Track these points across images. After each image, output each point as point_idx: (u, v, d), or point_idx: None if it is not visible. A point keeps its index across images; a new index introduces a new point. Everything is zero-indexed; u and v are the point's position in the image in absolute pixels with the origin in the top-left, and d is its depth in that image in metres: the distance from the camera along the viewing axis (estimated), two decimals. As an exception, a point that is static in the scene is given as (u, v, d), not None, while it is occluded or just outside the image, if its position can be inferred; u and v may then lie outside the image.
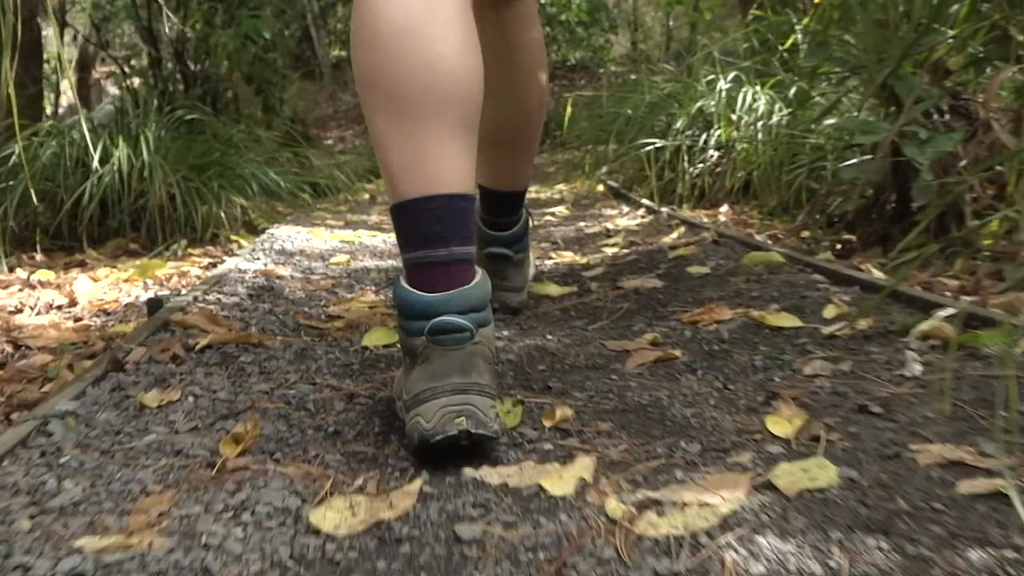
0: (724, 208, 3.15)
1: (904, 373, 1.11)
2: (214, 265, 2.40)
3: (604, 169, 4.07)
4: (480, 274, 1.00)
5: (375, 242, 2.55)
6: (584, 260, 2.19)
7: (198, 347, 1.33)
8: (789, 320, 1.39)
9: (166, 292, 2.00)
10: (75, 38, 6.95)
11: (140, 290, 2.11)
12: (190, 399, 1.13)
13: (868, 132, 1.88)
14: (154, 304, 1.62)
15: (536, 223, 3.05)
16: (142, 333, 1.43)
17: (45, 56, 7.12)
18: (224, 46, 6.03)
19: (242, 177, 3.45)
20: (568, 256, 2.26)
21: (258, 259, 2.22)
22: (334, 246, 2.45)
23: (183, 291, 1.90)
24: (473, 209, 1.01)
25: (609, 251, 2.31)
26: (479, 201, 1.55)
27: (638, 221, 2.86)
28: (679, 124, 3.41)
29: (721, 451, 0.92)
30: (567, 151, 8.10)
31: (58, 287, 2.26)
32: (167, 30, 6.54)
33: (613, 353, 1.32)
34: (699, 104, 3.45)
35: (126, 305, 1.92)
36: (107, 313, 1.87)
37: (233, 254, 2.54)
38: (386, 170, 1.02)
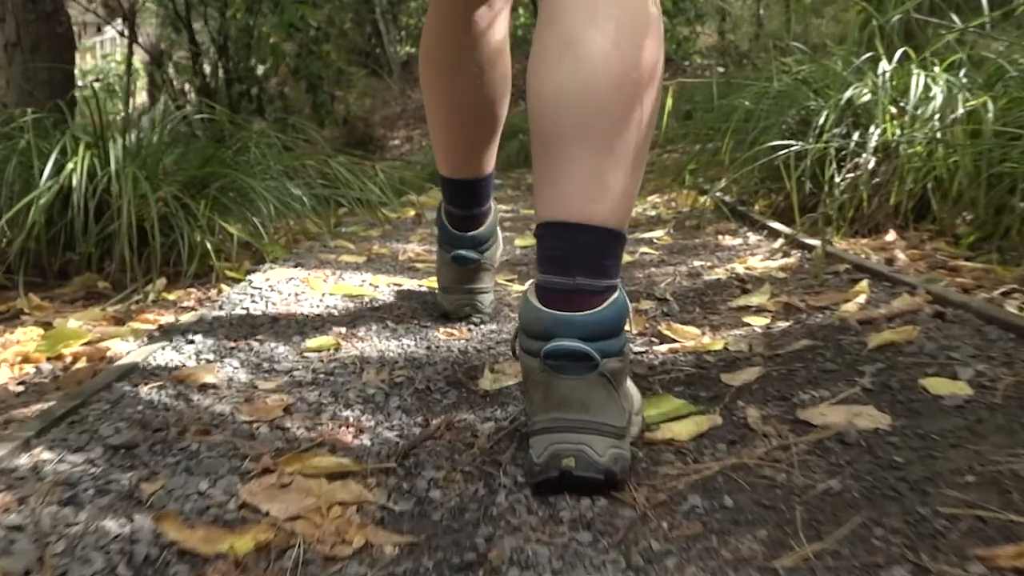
0: (891, 236, 2.24)
1: None
2: (199, 305, 1.62)
3: (720, 181, 3.18)
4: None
5: (396, 298, 1.75)
6: (719, 344, 1.33)
7: None
8: None
9: None
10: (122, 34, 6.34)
11: (33, 369, 1.34)
12: None
13: None
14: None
15: (629, 257, 2.19)
16: None
17: (117, 57, 6.58)
18: (266, 37, 5.33)
19: (254, 192, 2.68)
20: (690, 334, 1.40)
21: (196, 337, 1.42)
22: (330, 306, 1.63)
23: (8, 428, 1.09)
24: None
25: (756, 324, 1.44)
26: (536, 263, 0.98)
27: (780, 260, 1.98)
28: (823, 120, 2.51)
29: None
30: (652, 150, 7.20)
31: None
32: (206, 21, 5.88)
33: None
34: (848, 94, 2.54)
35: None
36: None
37: (209, 304, 1.76)
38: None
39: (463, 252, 1.46)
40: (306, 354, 1.33)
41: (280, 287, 1.82)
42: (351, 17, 9.81)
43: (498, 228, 1.52)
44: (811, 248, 2.04)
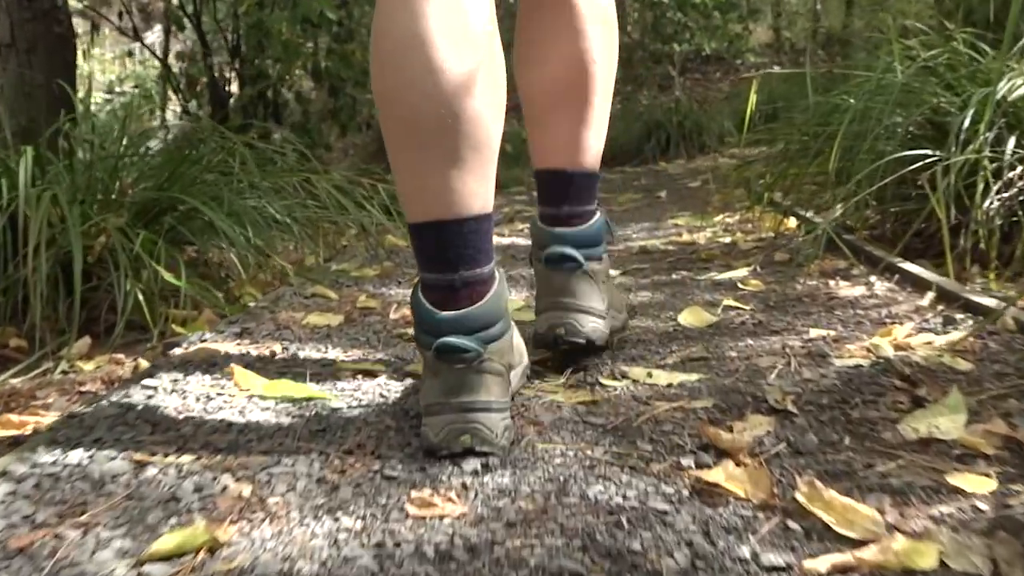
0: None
1: None
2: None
3: (796, 195, 2.52)
4: (495, 287, 1.00)
5: (357, 408, 1.12)
6: (926, 555, 0.69)
7: None
8: None
9: None
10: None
11: None
12: None
13: None
14: None
15: (710, 316, 1.55)
16: None
17: (148, 60, 6.10)
18: (279, 34, 4.78)
19: (224, 221, 2.09)
20: (860, 517, 0.76)
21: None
22: (248, 427, 0.97)
23: None
24: (489, 226, 1.00)
25: (974, 489, 0.80)
26: (537, 198, 1.29)
27: (949, 334, 1.32)
28: (966, 122, 1.84)
29: None
30: (707, 156, 6.50)
31: None
32: (215, 18, 5.33)
33: None
34: (1003, 87, 1.86)
35: None
36: None
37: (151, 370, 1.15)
38: (398, 191, 1.02)
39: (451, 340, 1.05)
40: (144, 571, 0.71)
41: (192, 382, 1.21)
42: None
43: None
44: (985, 311, 1.38)
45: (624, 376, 1.23)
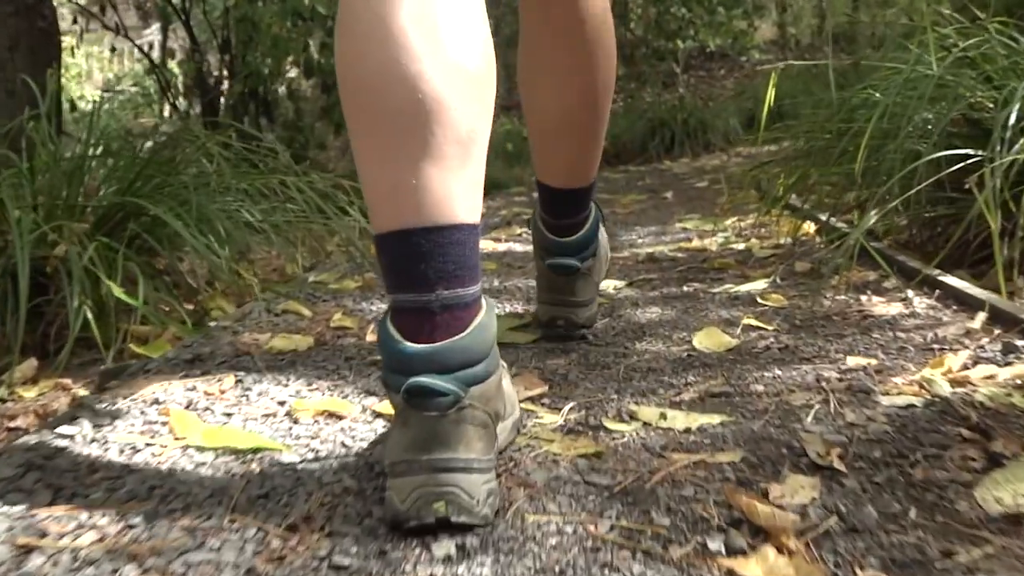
0: None
1: None
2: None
3: (813, 197, 2.32)
4: (480, 316, 0.83)
5: (313, 462, 0.94)
6: None
7: None
8: None
9: None
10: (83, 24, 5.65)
11: None
12: None
13: None
14: None
15: (730, 337, 1.36)
16: None
17: (154, 58, 5.94)
18: (267, 28, 4.58)
19: (189, 228, 1.90)
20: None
21: None
22: (170, 491, 0.82)
23: None
24: (476, 240, 0.84)
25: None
26: (538, 203, 1.36)
27: (1013, 365, 1.13)
28: (1012, 118, 1.65)
29: None
30: (712, 155, 6.29)
31: None
32: (204, 12, 5.14)
33: None
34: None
35: None
36: None
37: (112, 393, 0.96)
38: (366, 197, 0.85)
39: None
40: None
41: (119, 427, 1.02)
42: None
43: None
44: (1049, 336, 1.19)
45: (633, 417, 1.04)
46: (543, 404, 1.10)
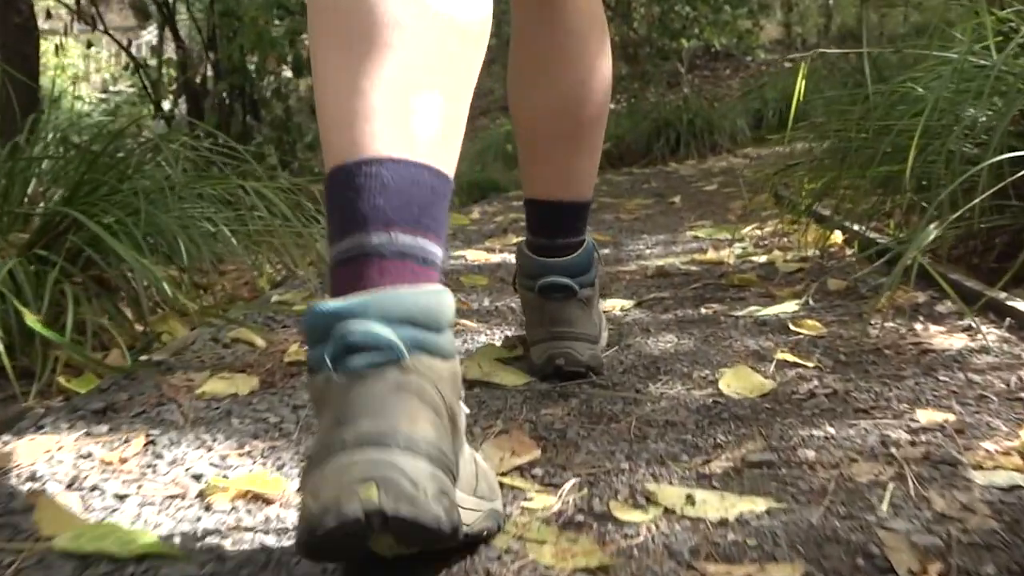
0: None
1: None
2: None
3: (845, 204, 2.07)
4: (440, 286, 0.68)
5: (247, 546, 0.70)
6: None
7: None
8: None
9: None
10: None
11: None
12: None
13: None
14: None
15: (763, 377, 1.12)
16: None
17: (148, 60, 5.71)
18: (251, 22, 4.34)
19: (161, 233, 1.67)
20: None
21: None
22: None
23: None
24: (446, 195, 0.71)
25: None
26: (527, 230, 1.24)
27: None
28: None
29: None
30: (719, 156, 6.04)
31: None
32: (188, 7, 4.89)
33: None
34: None
35: None
36: None
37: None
38: (321, 121, 0.72)
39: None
40: None
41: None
42: None
43: None
44: None
45: (651, 500, 0.79)
46: (534, 477, 0.86)
